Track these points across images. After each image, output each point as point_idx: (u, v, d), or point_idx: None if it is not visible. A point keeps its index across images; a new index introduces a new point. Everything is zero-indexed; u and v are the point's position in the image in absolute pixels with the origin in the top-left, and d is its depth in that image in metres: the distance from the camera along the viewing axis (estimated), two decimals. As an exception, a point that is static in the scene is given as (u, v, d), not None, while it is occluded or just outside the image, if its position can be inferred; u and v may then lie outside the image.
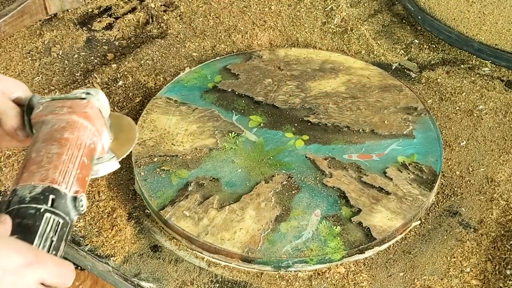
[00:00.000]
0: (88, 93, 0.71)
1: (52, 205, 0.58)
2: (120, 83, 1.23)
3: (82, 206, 0.61)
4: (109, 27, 1.44)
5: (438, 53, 1.34)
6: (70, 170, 0.63)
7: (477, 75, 1.25)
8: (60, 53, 1.35)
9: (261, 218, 0.91)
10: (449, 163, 1.04)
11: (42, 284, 0.53)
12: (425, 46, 1.36)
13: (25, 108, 0.70)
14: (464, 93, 1.19)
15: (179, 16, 1.44)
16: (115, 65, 1.28)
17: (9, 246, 0.51)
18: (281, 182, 0.97)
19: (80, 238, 0.92)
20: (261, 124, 1.09)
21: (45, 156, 0.63)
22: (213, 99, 1.15)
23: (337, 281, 0.85)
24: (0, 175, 1.03)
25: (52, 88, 1.24)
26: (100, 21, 1.46)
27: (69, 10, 1.49)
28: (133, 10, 1.50)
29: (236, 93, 1.16)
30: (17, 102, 0.69)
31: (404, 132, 1.06)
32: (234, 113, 1.11)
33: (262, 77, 1.20)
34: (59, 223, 0.58)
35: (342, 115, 1.10)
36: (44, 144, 0.65)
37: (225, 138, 1.05)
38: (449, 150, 1.06)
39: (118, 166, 0.74)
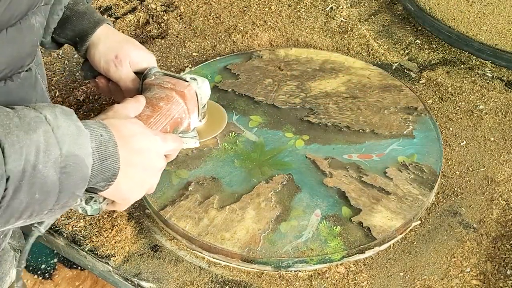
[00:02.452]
0: (194, 79, 0.87)
1: None
2: (120, 83, 1.23)
3: None
4: (109, 27, 1.44)
5: (438, 53, 1.34)
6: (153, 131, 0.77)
7: (477, 75, 1.25)
8: (60, 53, 1.35)
9: (261, 218, 0.91)
10: (449, 163, 1.04)
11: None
12: (425, 46, 1.36)
13: (142, 76, 0.89)
14: (464, 93, 1.19)
15: (179, 16, 1.44)
16: (115, 65, 1.28)
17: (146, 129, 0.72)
18: (281, 182, 0.97)
19: (81, 238, 0.92)
20: (261, 124, 1.09)
21: (139, 114, 0.78)
22: (213, 99, 1.15)
23: (337, 281, 0.85)
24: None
25: (52, 88, 1.24)
26: (100, 21, 1.46)
27: (69, 10, 1.49)
28: (133, 10, 1.50)
29: (236, 93, 1.16)
30: (141, 70, 0.90)
31: (404, 132, 1.06)
32: (234, 113, 1.11)
33: (262, 77, 1.20)
34: None
35: (342, 115, 1.10)
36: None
37: (225, 138, 1.05)
38: (449, 150, 1.06)
39: (198, 145, 0.93)
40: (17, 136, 0.54)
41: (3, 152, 0.53)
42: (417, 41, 1.38)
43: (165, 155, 0.75)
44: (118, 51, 0.89)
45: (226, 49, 1.34)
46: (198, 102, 0.87)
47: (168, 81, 0.85)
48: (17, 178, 0.53)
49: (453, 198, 0.98)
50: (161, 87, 0.84)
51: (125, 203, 0.73)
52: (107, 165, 0.63)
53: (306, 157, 1.01)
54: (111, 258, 0.89)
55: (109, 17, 1.48)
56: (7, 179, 0.53)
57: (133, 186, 0.69)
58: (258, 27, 1.40)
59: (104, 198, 0.71)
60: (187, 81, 0.85)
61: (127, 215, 0.96)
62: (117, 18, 1.46)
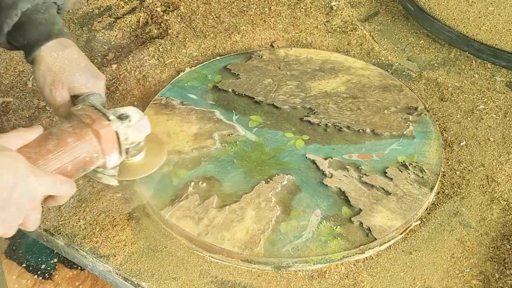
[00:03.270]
0: (126, 116, 0.80)
1: None
2: (120, 83, 1.23)
3: None
4: (109, 27, 1.44)
5: (438, 53, 1.34)
6: (48, 168, 0.72)
7: (477, 75, 1.25)
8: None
9: (261, 218, 0.91)
10: (449, 163, 1.04)
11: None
12: (425, 46, 1.36)
13: (76, 100, 0.83)
14: (464, 93, 1.19)
15: (179, 16, 1.44)
16: (115, 65, 1.28)
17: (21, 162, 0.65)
18: (281, 182, 0.97)
19: (81, 238, 0.92)
20: (261, 124, 1.09)
21: (41, 146, 0.73)
22: (213, 99, 1.15)
23: (337, 281, 0.85)
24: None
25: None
26: (100, 21, 1.46)
27: (70, 11, 1.49)
28: (133, 10, 1.50)
29: (236, 93, 1.16)
30: (82, 95, 0.84)
31: (404, 132, 1.06)
32: (234, 113, 1.11)
33: (262, 77, 1.20)
34: None
35: (342, 115, 1.10)
36: (51, 136, 0.74)
37: (225, 138, 1.05)
38: (449, 150, 1.06)
39: (116, 184, 0.83)
40: None
41: None
42: (417, 41, 1.38)
43: (52, 198, 0.70)
44: (56, 75, 0.82)
45: (226, 49, 1.34)
46: (120, 142, 0.79)
47: (90, 115, 0.77)
48: None
49: (453, 198, 0.98)
50: (79, 121, 0.77)
51: None
52: None
53: (306, 157, 1.01)
54: (111, 258, 0.89)
55: (109, 17, 1.48)
56: None
57: None
58: (258, 27, 1.40)
59: None
60: (109, 120, 0.77)
61: (127, 215, 0.96)
62: (117, 18, 1.46)
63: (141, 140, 0.83)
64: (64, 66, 0.83)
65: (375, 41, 1.38)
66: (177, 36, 1.37)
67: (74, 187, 0.71)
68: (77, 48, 0.87)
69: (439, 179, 0.98)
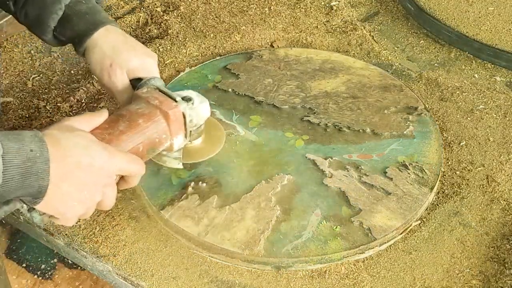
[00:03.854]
0: (189, 99, 0.81)
1: None
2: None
3: None
4: (109, 27, 1.44)
5: (438, 53, 1.34)
6: (122, 149, 0.72)
7: (477, 75, 1.26)
8: (60, 53, 1.35)
9: (261, 218, 0.91)
10: (449, 163, 1.04)
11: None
12: (425, 46, 1.36)
13: (137, 86, 0.83)
14: (464, 93, 1.19)
15: (179, 16, 1.44)
16: (115, 65, 1.28)
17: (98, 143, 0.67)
18: (281, 182, 0.97)
19: (81, 238, 0.92)
20: (261, 124, 1.09)
21: (112, 127, 0.74)
22: (213, 99, 1.15)
23: (337, 281, 0.85)
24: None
25: (52, 87, 1.24)
26: (100, 21, 1.46)
27: (69, 10, 1.49)
28: (133, 10, 1.50)
29: (236, 93, 1.16)
30: (140, 78, 0.84)
31: (404, 132, 1.06)
32: (234, 113, 1.11)
33: (262, 77, 1.20)
34: None
35: (342, 115, 1.10)
36: (121, 118, 0.76)
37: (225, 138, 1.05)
38: (449, 150, 1.06)
39: (181, 166, 0.84)
40: None
41: None
42: (417, 41, 1.38)
43: (122, 176, 0.71)
44: (113, 59, 0.83)
45: (226, 49, 1.34)
46: (185, 124, 0.80)
47: (156, 97, 0.79)
48: None
49: (453, 198, 0.98)
50: (147, 103, 0.78)
51: (64, 219, 0.68)
52: (30, 182, 0.60)
53: (306, 157, 1.01)
54: (111, 258, 0.89)
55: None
56: None
57: (69, 202, 0.65)
58: (258, 27, 1.40)
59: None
60: (176, 101, 0.79)
61: (127, 215, 0.96)
62: (117, 18, 1.46)
63: (202, 123, 0.84)
64: (119, 49, 0.83)
65: (375, 41, 1.38)
66: (177, 36, 1.37)
67: (144, 167, 0.72)
68: (124, 33, 0.88)
69: (439, 179, 0.98)
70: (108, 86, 0.84)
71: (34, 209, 0.66)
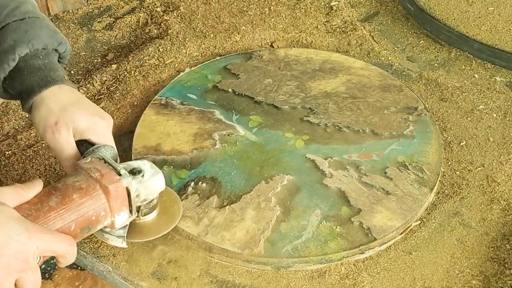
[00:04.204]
0: (139, 171, 0.73)
1: None
2: (120, 83, 1.23)
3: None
4: (109, 27, 1.44)
5: (438, 53, 1.34)
6: (49, 227, 0.65)
7: (477, 75, 1.25)
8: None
9: (261, 218, 0.91)
10: (449, 163, 1.04)
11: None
12: (425, 46, 1.36)
13: (83, 154, 0.75)
14: (464, 93, 1.19)
15: (179, 16, 1.44)
16: (115, 65, 1.28)
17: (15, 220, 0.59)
18: (281, 182, 0.97)
19: (80, 238, 0.92)
20: (261, 124, 1.09)
21: (42, 202, 0.66)
22: (213, 99, 1.15)
23: (337, 281, 0.85)
24: (0, 175, 1.03)
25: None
26: (100, 21, 1.46)
27: (70, 11, 1.49)
28: (133, 10, 1.50)
29: (236, 93, 1.16)
30: (89, 142, 0.76)
31: (404, 132, 1.06)
32: (234, 113, 1.11)
33: (262, 77, 1.20)
34: None
35: (342, 115, 1.10)
36: (54, 192, 0.68)
37: (225, 138, 1.05)
38: (449, 150, 1.06)
39: (125, 246, 0.77)
40: None
41: None
42: (417, 41, 1.38)
43: (53, 258, 0.65)
44: (59, 117, 0.74)
45: (226, 49, 1.34)
46: (130, 200, 0.72)
47: (99, 169, 0.71)
48: None
49: (453, 198, 0.98)
50: (87, 175, 0.70)
51: None
52: None
53: (306, 157, 1.01)
54: (111, 258, 0.89)
55: (109, 17, 1.48)
56: None
57: None
58: (258, 27, 1.40)
59: None
60: (120, 174, 0.71)
61: (127, 215, 0.95)
62: (117, 18, 1.46)
63: (155, 197, 0.77)
64: (67, 107, 0.75)
65: (375, 41, 1.38)
66: (177, 36, 1.37)
67: (74, 246, 0.65)
68: (78, 93, 0.80)
69: (439, 179, 0.98)
70: (51, 146, 0.76)
71: None
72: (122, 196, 0.71)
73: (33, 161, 1.06)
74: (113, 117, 0.86)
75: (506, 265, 0.87)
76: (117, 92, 1.21)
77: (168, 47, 1.33)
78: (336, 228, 0.89)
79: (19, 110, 1.19)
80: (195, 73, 1.23)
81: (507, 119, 1.13)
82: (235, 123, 1.09)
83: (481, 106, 1.16)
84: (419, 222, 0.94)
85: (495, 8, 1.38)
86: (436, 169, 0.99)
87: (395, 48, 1.36)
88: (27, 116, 1.18)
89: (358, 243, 0.87)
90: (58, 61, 0.83)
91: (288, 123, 1.09)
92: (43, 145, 1.09)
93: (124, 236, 0.76)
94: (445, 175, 1.02)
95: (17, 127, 1.15)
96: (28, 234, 0.59)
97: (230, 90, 1.17)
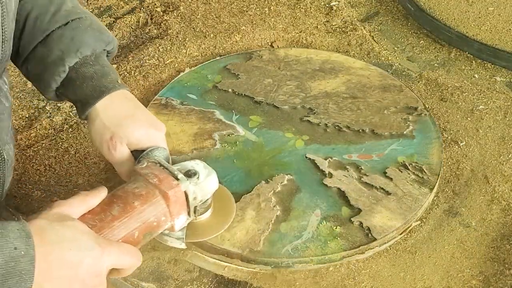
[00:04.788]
0: (194, 173, 0.74)
1: None
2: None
3: None
4: (109, 27, 1.44)
5: (438, 53, 1.34)
6: (113, 236, 0.65)
7: (477, 75, 1.25)
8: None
9: (261, 218, 0.91)
10: (449, 163, 1.04)
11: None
12: (425, 46, 1.36)
13: (138, 159, 0.77)
14: (464, 93, 1.19)
15: (179, 16, 1.44)
16: (115, 65, 1.28)
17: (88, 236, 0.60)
18: (281, 182, 0.97)
19: (80, 238, 0.92)
20: (261, 124, 1.09)
21: (105, 212, 0.67)
22: (213, 99, 1.15)
23: (337, 281, 0.85)
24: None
25: (52, 88, 1.23)
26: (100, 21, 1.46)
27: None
28: (133, 10, 1.50)
29: (236, 93, 1.16)
30: (144, 149, 0.78)
31: (404, 132, 1.06)
32: (234, 113, 1.11)
33: (262, 77, 1.20)
34: None
35: (342, 115, 1.10)
36: (115, 200, 0.69)
37: (225, 138, 1.05)
38: (449, 150, 1.06)
39: (184, 247, 0.80)
40: None
41: None
42: (417, 41, 1.38)
43: (116, 269, 0.65)
44: (114, 132, 0.76)
45: (226, 49, 1.34)
46: (188, 202, 0.73)
47: (156, 174, 0.72)
48: None
49: (453, 198, 0.98)
50: (145, 181, 0.71)
51: None
52: (11, 284, 0.54)
53: (306, 157, 1.01)
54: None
55: (109, 17, 1.48)
56: None
57: None
58: (258, 27, 1.40)
59: None
60: (178, 179, 0.72)
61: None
62: (117, 18, 1.46)
63: (209, 198, 0.78)
64: (121, 121, 0.77)
65: (375, 41, 1.38)
66: (177, 36, 1.37)
67: (140, 259, 0.66)
68: (132, 99, 0.81)
69: (439, 179, 0.98)
70: (107, 158, 0.79)
71: None
72: (181, 200, 0.72)
73: (33, 161, 1.06)
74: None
75: (506, 265, 0.87)
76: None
77: (168, 47, 1.33)
78: (336, 228, 0.89)
79: (19, 110, 1.19)
80: (195, 73, 1.23)
81: (507, 119, 1.13)
82: (235, 123, 1.09)
83: (481, 106, 1.16)
84: (419, 222, 0.94)
85: (495, 8, 1.38)
86: (436, 169, 0.99)
87: (395, 48, 1.36)
88: (26, 116, 1.18)
89: (358, 243, 0.87)
90: (106, 55, 0.83)
91: (288, 123, 1.09)
92: (43, 145, 1.09)
93: (183, 237, 0.78)
94: (445, 175, 1.02)
95: (17, 127, 1.15)
96: (100, 249, 0.60)
97: (230, 90, 1.17)
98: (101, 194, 0.68)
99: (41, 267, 0.55)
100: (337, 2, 1.50)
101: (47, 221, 0.59)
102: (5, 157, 0.73)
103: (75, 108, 0.85)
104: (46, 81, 0.78)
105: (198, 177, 0.74)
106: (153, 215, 0.69)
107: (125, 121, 0.77)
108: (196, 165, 0.76)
